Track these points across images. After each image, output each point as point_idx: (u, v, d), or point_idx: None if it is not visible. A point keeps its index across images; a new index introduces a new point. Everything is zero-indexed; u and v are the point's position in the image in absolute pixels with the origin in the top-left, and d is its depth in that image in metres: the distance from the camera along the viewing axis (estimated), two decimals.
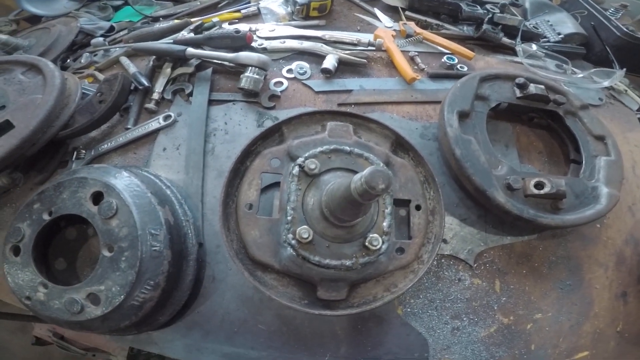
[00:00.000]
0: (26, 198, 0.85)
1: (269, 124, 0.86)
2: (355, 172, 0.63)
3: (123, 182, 0.64)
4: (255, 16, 1.18)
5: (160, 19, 1.17)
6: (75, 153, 0.84)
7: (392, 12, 1.20)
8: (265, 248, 0.62)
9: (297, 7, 1.09)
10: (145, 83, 0.88)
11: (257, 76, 0.87)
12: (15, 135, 0.68)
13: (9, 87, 0.76)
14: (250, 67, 0.88)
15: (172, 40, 0.97)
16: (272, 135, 0.74)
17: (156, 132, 0.85)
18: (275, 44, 0.98)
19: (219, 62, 0.92)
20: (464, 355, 0.68)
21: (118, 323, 0.58)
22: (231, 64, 0.91)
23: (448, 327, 0.70)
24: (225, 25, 1.09)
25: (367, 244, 0.59)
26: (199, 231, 0.72)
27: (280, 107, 0.90)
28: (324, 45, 0.97)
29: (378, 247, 0.59)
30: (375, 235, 0.59)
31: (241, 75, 0.88)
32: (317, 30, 1.06)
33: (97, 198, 0.62)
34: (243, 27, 1.03)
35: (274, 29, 1.03)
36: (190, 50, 0.90)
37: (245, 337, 0.69)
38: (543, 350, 0.71)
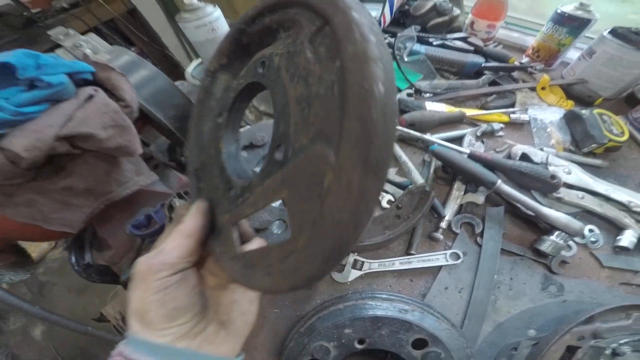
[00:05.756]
0: None
1: (552, 289, 0.80)
2: None
3: (444, 333, 0.64)
4: (521, 126, 1.05)
5: (422, 93, 1.06)
6: (353, 261, 0.79)
7: None
8: None
9: (592, 145, 0.95)
10: (443, 213, 0.80)
11: (562, 242, 0.77)
12: None
13: None
14: (557, 231, 0.78)
15: (467, 151, 0.86)
16: None
17: (439, 267, 0.79)
18: (573, 196, 0.86)
19: (518, 205, 0.82)
20: None
21: None
22: (530, 213, 0.82)
23: None
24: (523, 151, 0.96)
25: None
26: None
27: (565, 275, 0.81)
28: (628, 216, 0.85)
29: None
30: None
31: (544, 237, 0.79)
32: (611, 187, 0.90)
33: (419, 344, 0.63)
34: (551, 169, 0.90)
35: (570, 170, 0.90)
36: (504, 186, 0.79)
37: None
38: None
